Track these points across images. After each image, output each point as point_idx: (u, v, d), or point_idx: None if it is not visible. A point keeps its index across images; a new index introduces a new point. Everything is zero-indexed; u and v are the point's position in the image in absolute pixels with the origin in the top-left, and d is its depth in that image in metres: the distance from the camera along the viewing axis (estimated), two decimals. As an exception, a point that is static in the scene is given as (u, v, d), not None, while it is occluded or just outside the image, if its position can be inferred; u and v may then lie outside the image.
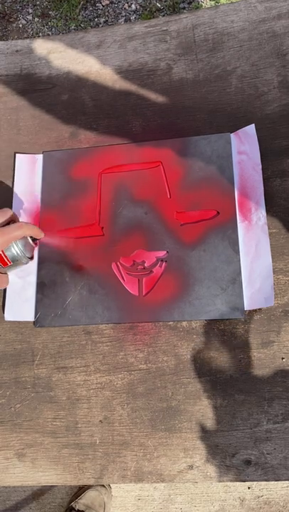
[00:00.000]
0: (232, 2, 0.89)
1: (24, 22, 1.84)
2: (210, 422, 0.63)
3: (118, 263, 0.70)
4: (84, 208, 0.74)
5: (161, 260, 0.69)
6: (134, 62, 0.81)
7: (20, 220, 0.74)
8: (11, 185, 0.77)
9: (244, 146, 0.72)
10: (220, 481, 0.61)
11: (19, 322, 0.70)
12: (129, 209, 0.72)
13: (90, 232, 0.73)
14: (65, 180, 0.76)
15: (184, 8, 1.73)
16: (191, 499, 1.35)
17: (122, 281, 0.69)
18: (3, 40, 1.82)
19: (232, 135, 0.73)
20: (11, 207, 0.75)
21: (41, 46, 0.85)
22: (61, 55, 0.84)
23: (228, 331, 0.65)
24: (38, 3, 1.85)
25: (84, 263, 0.71)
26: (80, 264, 0.71)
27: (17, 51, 0.86)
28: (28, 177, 0.77)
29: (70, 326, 0.69)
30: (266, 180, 0.70)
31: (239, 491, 1.34)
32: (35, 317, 0.69)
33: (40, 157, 0.78)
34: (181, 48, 0.80)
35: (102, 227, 0.72)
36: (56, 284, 0.71)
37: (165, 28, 0.82)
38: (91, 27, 1.77)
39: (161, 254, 0.70)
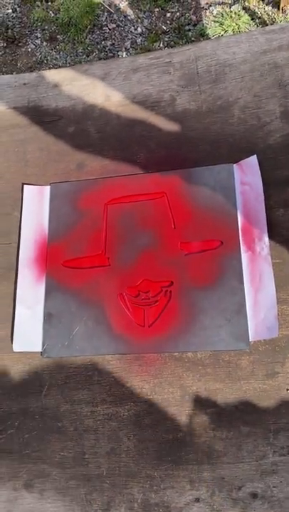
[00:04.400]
0: (234, 34, 0.90)
1: (33, 46, 1.88)
2: (216, 454, 0.63)
3: (123, 293, 0.71)
4: (90, 239, 0.75)
5: (166, 290, 0.70)
6: (138, 94, 0.83)
7: (26, 250, 0.76)
8: (19, 217, 0.79)
9: (247, 177, 0.73)
10: (227, 514, 0.61)
11: (27, 353, 0.71)
12: (135, 239, 0.73)
13: (96, 262, 0.74)
14: (72, 211, 0.77)
15: (189, 30, 1.75)
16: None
17: (127, 311, 0.70)
18: (13, 64, 1.86)
19: (235, 166, 0.74)
20: (19, 237, 0.77)
21: (48, 79, 0.87)
22: (67, 88, 0.86)
23: (233, 362, 0.66)
24: (46, 27, 1.90)
25: (90, 293, 0.72)
26: (86, 295, 0.72)
27: (24, 84, 0.88)
28: (36, 208, 0.79)
29: (77, 357, 0.70)
30: (269, 210, 0.71)
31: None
32: (42, 348, 0.71)
33: (47, 189, 0.79)
34: (185, 79, 0.82)
35: (108, 258, 0.74)
36: (63, 315, 0.72)
37: (168, 60, 0.84)
38: (98, 50, 1.81)
39: (166, 284, 0.70)
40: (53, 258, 0.75)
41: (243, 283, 0.68)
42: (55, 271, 0.74)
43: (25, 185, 0.80)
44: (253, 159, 0.73)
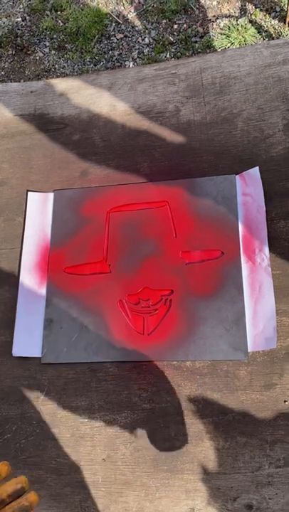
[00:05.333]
0: (239, 47, 0.92)
1: (41, 54, 1.91)
2: (212, 464, 0.63)
3: (124, 300, 0.72)
4: (92, 246, 0.76)
5: (166, 298, 0.70)
6: (143, 104, 0.84)
7: (29, 257, 0.76)
8: (22, 222, 0.79)
9: (249, 188, 0.73)
10: (221, 525, 0.61)
11: (26, 358, 0.72)
12: (136, 247, 0.74)
13: (98, 269, 0.74)
14: (74, 218, 0.78)
15: (196, 42, 1.77)
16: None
17: (127, 319, 0.71)
18: (21, 71, 1.89)
19: (237, 177, 0.74)
20: (22, 243, 0.78)
21: (55, 87, 0.89)
22: (74, 96, 0.87)
23: (232, 373, 0.66)
24: (54, 36, 1.92)
25: (90, 300, 0.73)
26: (86, 301, 0.73)
27: (31, 92, 0.89)
28: (39, 214, 0.80)
29: (76, 363, 0.70)
30: (270, 221, 0.71)
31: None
32: (42, 353, 0.71)
33: (51, 195, 0.80)
34: (189, 90, 0.83)
35: (109, 265, 0.74)
36: (63, 321, 0.72)
37: (174, 71, 0.85)
38: (105, 59, 1.83)
39: (167, 292, 0.71)
40: (54, 264, 0.76)
41: (242, 293, 0.68)
42: (57, 277, 0.75)
43: (29, 192, 0.81)
44: (255, 171, 0.73)
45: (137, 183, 0.78)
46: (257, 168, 0.73)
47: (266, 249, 0.70)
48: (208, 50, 1.75)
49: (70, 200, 0.79)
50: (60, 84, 0.89)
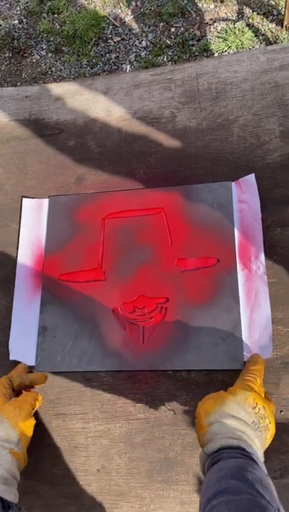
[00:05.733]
0: (235, 53, 0.91)
1: (38, 57, 1.90)
2: (207, 475, 0.62)
3: (119, 308, 0.71)
4: (87, 253, 0.75)
5: (162, 307, 0.70)
6: (139, 110, 0.83)
7: (23, 263, 0.76)
8: (17, 228, 0.79)
9: (245, 195, 0.73)
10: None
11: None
12: (131, 254, 0.73)
13: (92, 277, 0.74)
14: (69, 225, 0.77)
15: (193, 45, 1.77)
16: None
17: (122, 327, 0.70)
18: (18, 74, 1.88)
19: (233, 184, 0.74)
20: (17, 249, 0.77)
21: (50, 92, 0.88)
22: (69, 102, 0.87)
23: (227, 382, 0.65)
24: (51, 39, 1.92)
25: (85, 307, 0.72)
26: (81, 309, 0.72)
27: (26, 97, 0.89)
28: (34, 221, 0.79)
29: (70, 372, 0.69)
30: (266, 229, 0.71)
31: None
32: (35, 361, 0.70)
33: (46, 202, 0.79)
34: (185, 96, 0.82)
35: (104, 272, 0.73)
36: (57, 329, 0.71)
37: (170, 77, 0.85)
38: (102, 62, 1.83)
39: (162, 300, 0.70)
40: (49, 271, 0.75)
41: (238, 302, 0.68)
42: (51, 284, 0.74)
43: (24, 198, 0.80)
44: (251, 178, 0.73)
45: (133, 190, 0.77)
46: (253, 175, 0.73)
47: (262, 257, 0.69)
48: (205, 54, 1.75)
49: (65, 207, 0.78)
50: (56, 89, 0.88)
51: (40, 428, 0.68)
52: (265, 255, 0.69)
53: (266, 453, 0.60)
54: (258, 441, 0.53)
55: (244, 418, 0.53)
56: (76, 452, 0.66)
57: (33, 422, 0.60)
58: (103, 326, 0.70)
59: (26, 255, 0.77)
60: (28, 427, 0.59)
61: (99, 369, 0.68)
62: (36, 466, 0.66)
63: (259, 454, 0.52)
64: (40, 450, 0.67)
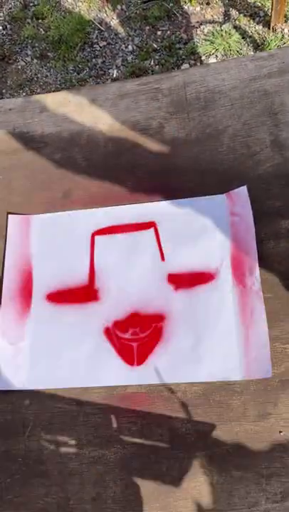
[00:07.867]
0: (223, 60, 0.89)
1: (23, 63, 1.87)
2: (206, 501, 0.60)
3: (110, 326, 0.69)
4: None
5: (156, 325, 0.68)
6: (126, 121, 0.81)
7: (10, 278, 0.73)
8: (3, 247, 0.76)
9: (236, 208, 0.71)
10: None
11: (11, 392, 0.68)
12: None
13: (82, 294, 0.71)
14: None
15: (179, 48, 1.75)
16: None
17: (113, 345, 0.68)
18: (3, 81, 1.85)
19: (224, 196, 0.72)
20: (2, 269, 0.75)
21: (34, 105, 0.86)
22: (54, 114, 0.84)
23: (224, 403, 0.63)
24: (36, 45, 1.89)
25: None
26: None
27: (10, 110, 0.86)
28: (21, 238, 0.76)
29: (62, 396, 0.67)
30: (260, 242, 0.69)
31: None
32: (24, 381, 0.68)
33: (33, 218, 0.77)
34: (173, 106, 0.80)
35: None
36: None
37: (157, 86, 0.83)
38: (89, 67, 1.80)
39: (155, 318, 0.68)
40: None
41: (233, 319, 0.66)
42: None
43: (9, 215, 0.78)
44: (243, 190, 0.71)
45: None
46: (244, 187, 0.71)
47: (257, 272, 0.67)
48: (192, 57, 1.73)
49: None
50: (40, 101, 0.86)
51: (32, 455, 0.65)
52: (260, 269, 0.67)
53: (267, 476, 0.59)
54: None
55: None
56: (70, 480, 0.64)
57: None
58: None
59: (12, 274, 0.74)
60: None
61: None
62: (29, 495, 0.64)
63: None
64: (33, 479, 0.64)
